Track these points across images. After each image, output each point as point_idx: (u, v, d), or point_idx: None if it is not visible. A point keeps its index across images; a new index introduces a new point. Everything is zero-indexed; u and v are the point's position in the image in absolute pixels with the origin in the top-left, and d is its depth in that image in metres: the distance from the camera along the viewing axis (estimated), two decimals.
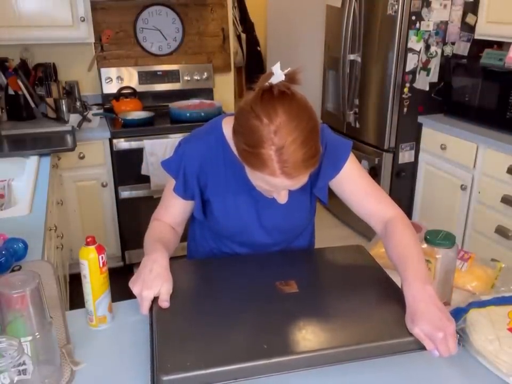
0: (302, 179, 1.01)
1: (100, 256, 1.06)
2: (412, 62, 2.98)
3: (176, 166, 1.23)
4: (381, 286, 1.12)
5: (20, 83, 2.84)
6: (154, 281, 1.06)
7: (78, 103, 3.15)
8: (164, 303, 1.04)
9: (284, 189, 1.06)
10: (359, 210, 1.24)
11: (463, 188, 2.81)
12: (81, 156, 2.80)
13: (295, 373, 0.94)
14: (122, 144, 2.86)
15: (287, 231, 1.31)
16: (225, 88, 3.63)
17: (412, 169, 3.24)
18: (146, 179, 2.92)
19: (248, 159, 1.00)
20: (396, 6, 2.87)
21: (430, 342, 0.91)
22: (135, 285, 1.07)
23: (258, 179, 1.04)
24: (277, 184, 1.01)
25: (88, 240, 1.06)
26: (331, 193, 1.39)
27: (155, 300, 1.06)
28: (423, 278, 0.99)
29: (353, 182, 1.22)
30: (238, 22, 4.86)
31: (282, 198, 1.08)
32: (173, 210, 1.30)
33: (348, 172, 1.21)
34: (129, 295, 1.13)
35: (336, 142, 1.23)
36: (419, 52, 2.97)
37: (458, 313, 1.06)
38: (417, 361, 0.99)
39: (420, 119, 3.12)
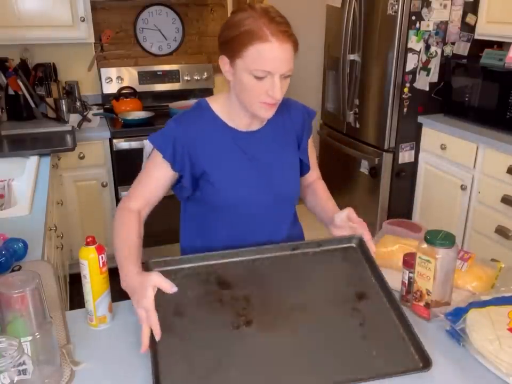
0: (289, 54, 1.11)
1: (100, 256, 1.07)
2: (411, 62, 2.98)
3: (165, 139, 1.23)
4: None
5: (20, 83, 2.84)
6: (138, 287, 1.02)
7: (78, 103, 3.15)
8: (173, 288, 1.01)
9: (277, 70, 1.11)
10: (308, 175, 1.43)
11: (463, 188, 2.81)
12: (81, 155, 2.80)
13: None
14: (122, 144, 2.86)
15: (282, 194, 1.32)
16: (225, 88, 3.62)
17: (412, 169, 3.23)
18: None
19: (241, 39, 1.10)
20: (396, 6, 2.86)
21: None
22: (137, 307, 1.00)
23: (252, 64, 1.10)
24: (270, 55, 1.09)
25: (88, 240, 1.06)
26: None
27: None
28: None
29: (312, 146, 1.42)
30: None
31: (277, 87, 1.12)
32: (152, 185, 1.27)
33: (311, 140, 1.40)
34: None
35: (306, 106, 1.40)
36: (419, 52, 2.97)
37: (458, 313, 1.06)
38: None
39: (420, 119, 3.11)
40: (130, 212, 1.22)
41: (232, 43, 1.13)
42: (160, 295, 1.03)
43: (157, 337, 0.97)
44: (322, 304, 1.09)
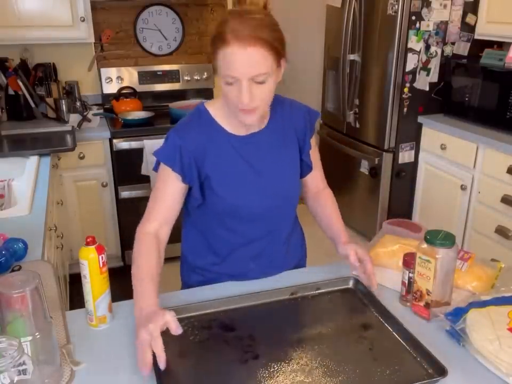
0: (256, 57, 1.06)
1: (100, 256, 1.06)
2: (411, 62, 2.98)
3: (171, 152, 1.21)
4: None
5: (20, 83, 2.84)
6: (152, 316, 0.98)
7: (78, 103, 3.14)
8: (178, 330, 0.98)
9: (242, 75, 1.07)
10: (307, 176, 1.40)
11: (463, 188, 2.81)
12: (81, 155, 2.80)
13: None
14: (122, 144, 2.85)
15: (281, 195, 1.30)
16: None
17: (411, 169, 3.24)
18: (146, 179, 2.92)
19: (213, 44, 1.09)
20: (396, 6, 2.86)
21: (357, 261, 1.21)
22: (139, 333, 0.96)
23: (222, 70, 1.09)
24: (232, 59, 1.06)
25: (88, 240, 1.06)
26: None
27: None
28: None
29: (315, 148, 1.39)
30: None
31: (244, 93, 1.08)
32: (168, 202, 1.23)
33: (314, 138, 1.37)
34: (129, 295, 1.13)
35: (308, 107, 1.36)
36: (419, 52, 2.97)
37: (458, 313, 1.06)
38: None
39: (420, 119, 3.11)
40: (147, 236, 1.19)
41: (211, 46, 1.13)
42: (161, 338, 1.03)
43: (162, 364, 0.94)
44: (329, 336, 1.09)
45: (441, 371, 0.94)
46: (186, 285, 1.40)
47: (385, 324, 1.12)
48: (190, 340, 1.07)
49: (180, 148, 1.20)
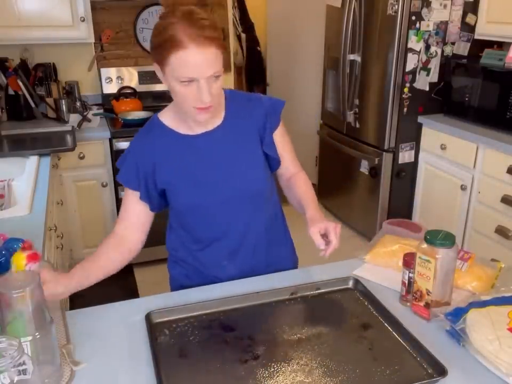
0: (211, 57, 1.08)
1: (28, 265, 1.06)
2: (411, 62, 2.98)
3: (121, 161, 1.29)
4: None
5: (20, 83, 2.84)
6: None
7: (78, 103, 3.14)
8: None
9: (201, 75, 1.09)
10: (282, 165, 1.38)
11: (463, 188, 2.81)
12: (81, 155, 2.80)
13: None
14: (122, 144, 2.85)
15: (241, 189, 1.28)
16: (225, 88, 3.62)
17: (411, 169, 3.24)
18: None
19: (164, 48, 1.08)
20: (396, 6, 2.86)
21: (321, 240, 1.19)
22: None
23: (177, 72, 1.08)
24: (190, 61, 1.06)
25: (25, 245, 1.07)
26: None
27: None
28: (319, 210, 1.30)
29: (282, 137, 1.36)
30: (238, 22, 4.86)
31: (204, 92, 1.10)
32: (129, 209, 1.31)
33: (280, 127, 1.35)
34: (129, 295, 1.13)
35: (272, 98, 1.37)
36: (419, 52, 2.97)
37: (458, 313, 1.06)
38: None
39: (420, 119, 3.11)
40: (114, 236, 1.29)
41: (158, 51, 1.11)
42: (162, 339, 1.06)
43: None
44: (329, 335, 1.09)
45: (441, 371, 0.94)
46: (171, 276, 1.46)
47: (385, 324, 1.12)
48: (190, 340, 1.07)
49: (128, 157, 1.27)
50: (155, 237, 3.46)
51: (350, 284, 1.27)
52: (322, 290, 1.25)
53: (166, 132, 1.27)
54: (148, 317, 1.11)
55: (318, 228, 1.20)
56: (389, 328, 1.10)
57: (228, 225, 1.31)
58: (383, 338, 1.07)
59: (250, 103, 1.32)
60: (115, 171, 2.92)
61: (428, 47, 2.98)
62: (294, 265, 1.48)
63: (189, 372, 0.99)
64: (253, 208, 1.32)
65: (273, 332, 1.10)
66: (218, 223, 1.31)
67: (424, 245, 1.10)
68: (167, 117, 1.29)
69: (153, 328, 1.10)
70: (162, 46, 1.09)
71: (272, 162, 1.35)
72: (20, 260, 1.06)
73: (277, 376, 0.96)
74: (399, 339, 1.07)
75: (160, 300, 1.21)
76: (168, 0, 1.20)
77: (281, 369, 0.98)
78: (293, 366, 0.99)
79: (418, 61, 2.99)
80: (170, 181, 1.26)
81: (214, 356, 1.03)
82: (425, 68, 3.02)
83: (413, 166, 3.23)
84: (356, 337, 1.08)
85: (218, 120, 1.28)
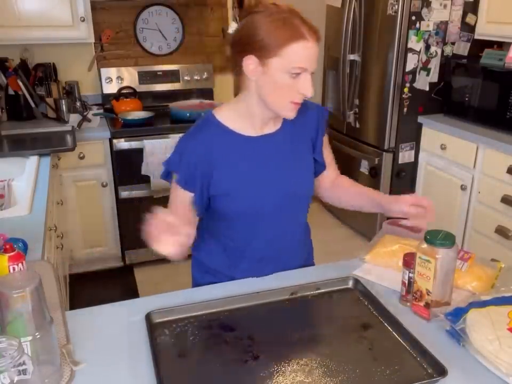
0: (318, 51, 1.15)
1: (12, 266, 1.06)
2: (412, 62, 2.98)
3: (177, 160, 1.23)
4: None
5: (20, 83, 2.84)
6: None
7: (78, 103, 3.14)
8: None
9: (312, 67, 1.14)
10: (326, 173, 1.41)
11: (463, 188, 2.81)
12: (81, 155, 2.80)
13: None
14: (122, 144, 2.86)
15: (293, 194, 1.31)
16: (225, 88, 3.63)
17: (411, 169, 3.24)
18: (146, 179, 2.92)
19: (279, 38, 1.10)
20: (396, 6, 2.86)
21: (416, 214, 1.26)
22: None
23: (291, 62, 1.11)
24: (308, 52, 1.11)
25: (7, 247, 1.06)
26: None
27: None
28: None
29: (327, 143, 1.40)
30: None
31: (309, 84, 1.14)
32: (179, 212, 1.23)
33: (326, 137, 1.39)
34: (129, 295, 1.13)
35: (319, 105, 1.40)
36: (419, 52, 2.97)
37: (458, 313, 1.06)
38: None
39: (420, 119, 3.12)
40: None
41: (266, 42, 1.11)
42: (162, 339, 1.05)
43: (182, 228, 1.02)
44: (329, 335, 1.09)
45: (441, 371, 0.94)
46: (198, 285, 1.39)
47: (385, 324, 1.12)
48: (190, 340, 1.07)
49: (186, 159, 1.21)
50: None
51: (350, 284, 1.27)
52: (322, 290, 1.25)
53: (224, 131, 1.24)
54: (148, 317, 1.11)
55: (409, 200, 1.29)
56: (389, 328, 1.10)
57: (275, 230, 1.31)
58: (383, 338, 1.07)
59: (305, 109, 1.29)
60: (115, 171, 2.92)
61: (427, 47, 2.98)
62: (310, 255, 1.51)
63: (189, 372, 0.99)
64: (299, 213, 1.37)
65: (273, 332, 1.10)
66: (265, 228, 1.30)
67: (424, 245, 1.10)
68: (225, 116, 1.25)
69: (153, 328, 1.10)
70: (280, 37, 1.10)
71: (318, 167, 1.39)
72: (2, 262, 1.05)
73: (277, 376, 0.96)
74: (399, 339, 1.06)
75: (160, 300, 1.21)
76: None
77: (281, 369, 0.98)
78: (292, 366, 0.99)
79: (418, 61, 2.99)
80: (229, 184, 1.23)
81: (214, 356, 1.02)
82: (425, 67, 3.02)
83: (413, 166, 3.23)
84: (355, 337, 1.08)
85: (278, 124, 1.29)
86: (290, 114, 1.20)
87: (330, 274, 1.30)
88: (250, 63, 1.14)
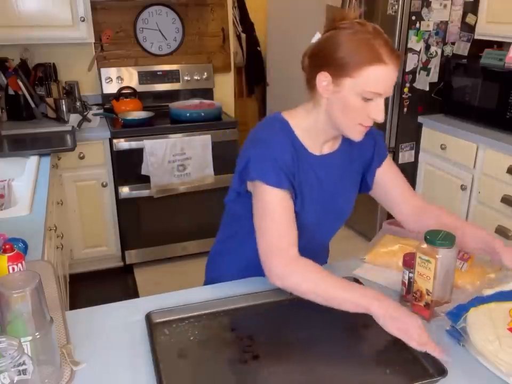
0: (396, 76, 1.10)
1: (11, 267, 1.06)
2: (412, 62, 2.98)
3: (275, 171, 1.13)
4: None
5: (20, 83, 2.84)
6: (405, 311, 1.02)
7: (78, 103, 3.15)
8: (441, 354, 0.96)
9: (387, 92, 1.09)
10: (393, 195, 1.36)
11: (463, 188, 2.81)
12: (81, 155, 2.80)
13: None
14: (122, 144, 2.86)
15: (340, 217, 1.34)
16: (225, 88, 3.63)
17: (412, 169, 3.23)
18: (146, 179, 2.92)
19: (358, 59, 1.06)
20: (396, 6, 2.86)
21: None
22: (408, 319, 0.99)
23: (365, 85, 1.07)
24: (385, 78, 1.07)
25: (7, 247, 1.06)
26: None
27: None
28: None
29: (391, 167, 1.35)
30: (238, 22, 4.86)
31: (381, 109, 1.10)
32: (291, 218, 1.15)
33: (389, 157, 1.35)
34: (129, 295, 1.13)
35: (380, 133, 1.36)
36: (419, 52, 2.97)
37: (460, 311, 1.06)
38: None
39: (420, 119, 3.12)
40: (299, 262, 1.12)
41: (343, 61, 1.07)
42: (162, 339, 1.05)
43: (438, 354, 0.95)
44: (328, 335, 1.09)
45: (441, 371, 0.94)
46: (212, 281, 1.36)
47: None
48: (190, 340, 1.07)
49: (279, 162, 1.13)
50: (155, 237, 3.47)
51: None
52: None
53: (296, 143, 1.19)
54: (148, 317, 1.11)
55: None
56: None
57: (307, 240, 1.26)
58: (383, 338, 1.07)
59: (364, 136, 1.24)
60: (115, 171, 2.92)
61: (427, 47, 2.98)
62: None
63: (189, 372, 0.99)
64: (334, 229, 1.37)
65: (273, 332, 1.10)
66: (307, 238, 1.25)
67: (424, 245, 1.10)
68: (299, 129, 1.20)
69: (153, 328, 1.10)
70: (357, 58, 1.06)
71: (364, 187, 1.37)
72: (2, 262, 1.05)
73: (277, 376, 0.96)
74: (399, 339, 1.06)
75: (160, 299, 1.21)
76: (334, 13, 1.17)
77: (281, 369, 0.98)
78: (292, 366, 0.99)
79: (418, 61, 2.99)
80: (297, 196, 1.20)
81: (213, 355, 1.02)
82: (425, 67, 3.02)
83: (413, 166, 3.23)
84: (355, 337, 1.08)
85: (337, 144, 1.27)
86: (358, 136, 1.16)
87: None
88: (323, 79, 1.11)
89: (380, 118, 1.11)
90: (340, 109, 1.13)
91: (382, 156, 1.33)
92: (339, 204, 1.30)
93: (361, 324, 1.12)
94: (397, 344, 1.04)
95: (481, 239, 1.22)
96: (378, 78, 1.07)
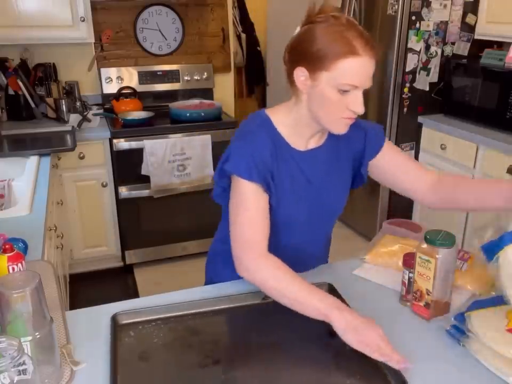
0: (374, 67, 1.11)
1: (11, 267, 1.06)
2: (412, 62, 2.98)
3: (248, 162, 1.13)
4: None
5: (20, 83, 2.84)
6: (370, 323, 0.99)
7: (78, 103, 3.15)
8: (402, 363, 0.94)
9: (364, 84, 1.09)
10: (404, 178, 1.31)
11: None
12: (81, 156, 2.80)
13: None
14: (122, 144, 2.86)
15: (330, 212, 1.32)
16: (225, 88, 3.63)
17: None
18: (146, 179, 2.92)
19: (331, 52, 1.06)
20: (396, 6, 2.86)
21: None
22: (368, 333, 0.98)
23: (341, 78, 1.06)
24: (360, 69, 1.07)
25: (6, 247, 1.06)
26: None
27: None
28: None
29: (395, 152, 1.32)
30: (238, 22, 4.86)
31: (361, 102, 1.10)
32: (264, 217, 1.16)
33: (388, 145, 1.32)
34: (129, 295, 1.13)
35: (373, 126, 1.34)
36: (419, 52, 2.97)
37: (459, 317, 1.06)
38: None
39: (420, 119, 3.12)
40: (269, 258, 1.12)
41: (318, 55, 1.07)
42: (125, 340, 1.04)
43: (399, 365, 0.93)
44: (294, 341, 1.06)
45: (402, 382, 0.92)
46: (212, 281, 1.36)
47: None
48: (154, 342, 1.05)
49: (255, 157, 1.14)
50: (155, 237, 3.47)
51: (324, 290, 1.21)
52: None
53: (278, 138, 1.19)
54: (113, 318, 1.10)
55: None
56: None
57: (299, 239, 1.28)
58: (348, 347, 1.01)
59: (352, 129, 1.23)
60: (115, 171, 2.92)
61: (427, 47, 2.98)
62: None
63: (146, 375, 0.97)
64: (326, 226, 1.35)
65: (239, 337, 1.08)
66: (290, 237, 1.26)
67: (424, 245, 1.10)
68: (283, 126, 1.20)
69: (119, 329, 1.08)
70: (331, 51, 1.06)
71: (358, 181, 1.35)
72: (2, 262, 1.06)
73: (235, 381, 0.95)
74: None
75: (160, 299, 1.21)
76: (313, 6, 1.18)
77: (240, 374, 0.96)
78: (252, 372, 0.97)
79: (418, 61, 2.99)
80: (276, 192, 1.19)
81: (175, 359, 1.00)
82: (425, 67, 3.02)
83: None
84: (321, 344, 1.05)
85: (323, 138, 1.26)
86: (341, 130, 1.15)
87: (330, 275, 1.29)
88: (301, 74, 1.12)
89: (359, 110, 1.11)
90: (319, 103, 1.12)
91: (376, 147, 1.30)
92: (328, 199, 1.28)
93: (327, 331, 1.07)
94: (360, 353, 1.00)
95: (501, 194, 1.15)
96: (353, 70, 1.07)
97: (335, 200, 1.31)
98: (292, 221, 1.25)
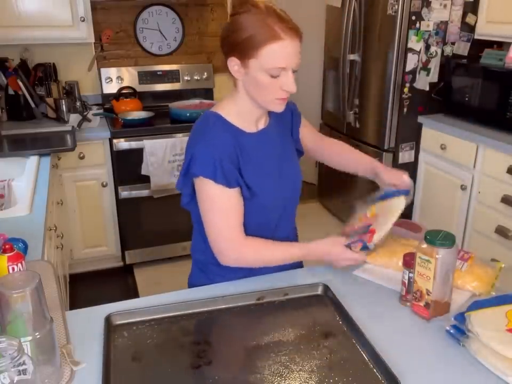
0: (298, 49, 1.16)
1: (11, 267, 1.06)
2: (412, 62, 2.98)
3: (211, 162, 1.18)
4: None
5: (20, 83, 2.84)
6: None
7: (78, 103, 3.15)
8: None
9: (292, 64, 1.15)
10: (318, 143, 1.52)
11: (463, 188, 2.81)
12: (81, 156, 2.80)
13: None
14: (122, 144, 2.86)
15: (296, 182, 1.40)
16: (225, 88, 3.61)
17: (412, 169, 3.23)
18: (146, 179, 2.92)
19: (254, 41, 1.12)
20: (396, 6, 2.86)
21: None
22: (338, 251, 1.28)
23: (267, 63, 1.13)
24: (284, 52, 1.12)
25: (6, 247, 1.06)
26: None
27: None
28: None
29: (309, 127, 1.50)
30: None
31: (292, 82, 1.16)
32: (237, 208, 1.22)
33: (304, 121, 1.47)
34: (129, 295, 1.13)
35: (293, 103, 1.44)
36: (419, 51, 2.97)
37: (459, 317, 1.06)
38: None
39: (420, 119, 3.11)
40: (248, 242, 1.24)
41: (244, 44, 1.14)
42: (119, 341, 1.04)
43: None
44: (288, 343, 1.05)
45: (394, 381, 0.91)
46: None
47: (348, 333, 1.08)
48: (147, 343, 1.05)
49: (218, 154, 1.18)
50: (155, 237, 3.46)
51: (319, 290, 1.22)
52: (290, 296, 1.20)
53: (232, 128, 1.25)
54: (107, 319, 1.09)
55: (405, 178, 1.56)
56: (351, 337, 1.06)
57: (276, 219, 1.34)
58: (343, 348, 1.03)
59: None
60: (115, 171, 2.92)
61: (428, 47, 2.98)
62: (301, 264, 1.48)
63: (138, 376, 0.97)
64: (295, 200, 1.41)
65: (232, 338, 1.08)
66: (272, 217, 1.33)
67: (424, 245, 1.10)
68: (232, 116, 1.26)
69: (112, 330, 1.08)
70: (252, 39, 1.12)
71: (298, 154, 1.46)
72: (1, 262, 1.06)
73: (227, 382, 0.94)
74: (359, 349, 1.03)
75: (160, 299, 1.21)
76: None
77: (232, 375, 0.96)
78: (244, 374, 0.96)
79: (418, 61, 2.99)
80: (252, 179, 1.24)
81: (167, 360, 1.00)
82: (425, 67, 3.02)
83: (413, 166, 3.23)
84: (315, 345, 1.04)
85: (267, 119, 1.33)
86: (278, 108, 1.23)
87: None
88: (234, 64, 1.18)
89: (291, 89, 1.17)
90: (254, 88, 1.20)
91: (298, 122, 1.43)
92: (290, 169, 1.36)
93: (323, 332, 1.08)
94: (356, 354, 1.01)
95: (366, 165, 1.50)
96: (277, 54, 1.13)
97: (296, 170, 1.39)
98: (266, 202, 1.28)
